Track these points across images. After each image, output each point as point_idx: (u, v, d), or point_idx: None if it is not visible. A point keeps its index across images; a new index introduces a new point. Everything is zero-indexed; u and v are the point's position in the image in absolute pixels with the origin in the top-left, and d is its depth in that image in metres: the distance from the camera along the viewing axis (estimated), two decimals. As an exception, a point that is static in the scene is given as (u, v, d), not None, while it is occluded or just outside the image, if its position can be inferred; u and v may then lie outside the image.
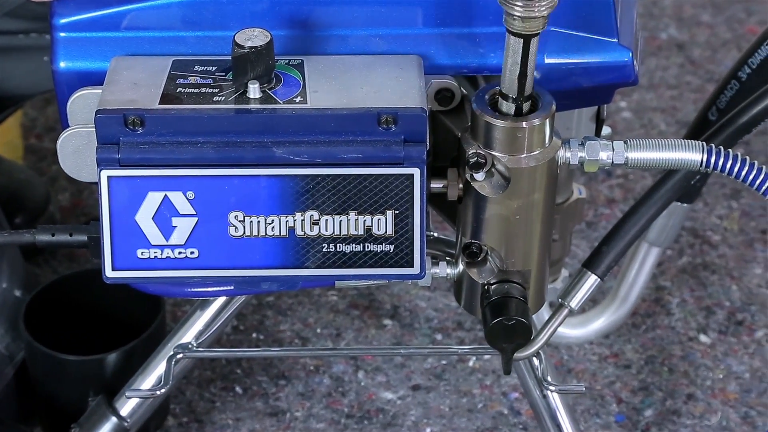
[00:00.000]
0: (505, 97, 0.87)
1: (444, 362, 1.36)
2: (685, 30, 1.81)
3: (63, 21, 0.91)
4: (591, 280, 0.98)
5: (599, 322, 1.33)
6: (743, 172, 0.89)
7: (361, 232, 0.87)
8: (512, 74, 0.85)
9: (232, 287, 0.93)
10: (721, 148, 0.90)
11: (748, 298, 1.43)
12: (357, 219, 0.87)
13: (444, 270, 0.93)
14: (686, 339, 1.39)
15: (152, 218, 0.86)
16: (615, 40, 0.93)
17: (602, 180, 1.58)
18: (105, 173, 0.85)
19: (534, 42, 0.84)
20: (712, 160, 0.89)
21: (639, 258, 1.29)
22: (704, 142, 0.90)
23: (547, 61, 0.92)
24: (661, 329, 1.40)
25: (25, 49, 1.20)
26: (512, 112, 0.87)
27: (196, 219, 0.87)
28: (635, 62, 0.93)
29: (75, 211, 1.52)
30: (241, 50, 0.85)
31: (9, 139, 1.55)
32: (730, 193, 1.56)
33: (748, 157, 0.90)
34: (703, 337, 1.39)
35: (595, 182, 1.58)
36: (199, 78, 0.88)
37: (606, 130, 1.08)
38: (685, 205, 1.23)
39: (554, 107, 0.88)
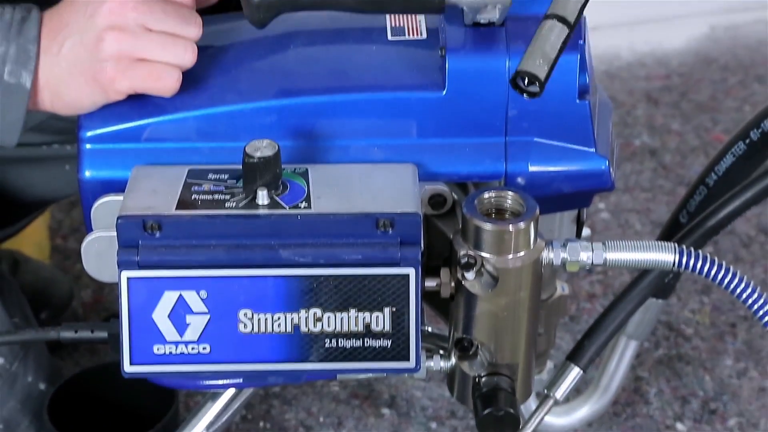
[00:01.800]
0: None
1: (438, 448, 1.35)
2: (656, 137, 1.83)
3: (89, 134, 0.92)
4: (574, 372, 0.97)
5: (583, 411, 1.32)
6: (712, 272, 0.89)
7: (360, 328, 0.87)
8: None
9: (241, 380, 0.92)
10: (692, 249, 0.90)
11: (720, 388, 1.42)
12: (357, 316, 0.87)
13: (438, 363, 0.92)
14: (664, 427, 1.38)
15: (168, 316, 0.86)
16: (593, 149, 0.93)
17: (584, 276, 1.58)
18: (125, 274, 0.85)
19: None
20: (684, 260, 0.89)
21: (618, 350, 1.28)
22: (676, 244, 0.90)
23: (531, 169, 0.93)
24: (641, 417, 1.39)
25: (47, 159, 1.20)
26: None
27: (208, 316, 0.86)
28: (612, 169, 0.94)
29: (97, 307, 1.51)
30: (251, 160, 0.86)
31: (37, 240, 1.55)
32: (701, 288, 1.56)
33: (716, 258, 0.90)
34: (679, 426, 1.38)
35: (577, 278, 1.58)
36: (212, 185, 0.89)
37: (586, 231, 1.09)
38: (660, 300, 1.23)
39: (538, 211, 0.88)
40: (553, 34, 0.82)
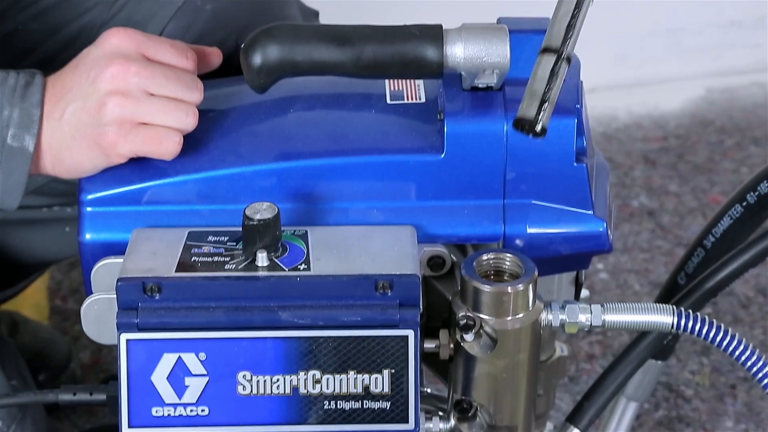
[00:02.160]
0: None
1: None
2: (654, 198, 1.83)
3: (90, 197, 0.92)
4: (574, 434, 0.97)
5: (583, 473, 1.31)
6: (711, 334, 0.89)
7: (359, 390, 0.87)
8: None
9: (240, 442, 0.92)
10: (690, 311, 0.90)
11: (721, 449, 1.42)
12: (356, 378, 0.87)
13: (437, 425, 0.92)
14: (665, 488, 1.37)
15: (167, 378, 0.86)
16: (590, 212, 0.94)
17: (583, 337, 1.58)
18: (124, 336, 0.85)
19: None
20: (682, 322, 0.89)
21: (618, 412, 1.27)
22: (674, 306, 0.90)
23: (530, 231, 0.93)
24: (641, 479, 1.38)
25: (48, 221, 1.21)
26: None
27: (207, 378, 0.86)
28: (609, 232, 0.94)
29: (95, 368, 1.51)
30: (251, 222, 0.86)
31: (36, 301, 1.55)
32: (700, 349, 1.55)
33: (714, 320, 0.90)
34: (680, 487, 1.37)
35: (576, 338, 1.57)
36: (212, 248, 0.89)
37: (584, 293, 1.09)
38: (660, 362, 1.23)
39: (536, 273, 0.89)
40: (540, 67, 0.81)
